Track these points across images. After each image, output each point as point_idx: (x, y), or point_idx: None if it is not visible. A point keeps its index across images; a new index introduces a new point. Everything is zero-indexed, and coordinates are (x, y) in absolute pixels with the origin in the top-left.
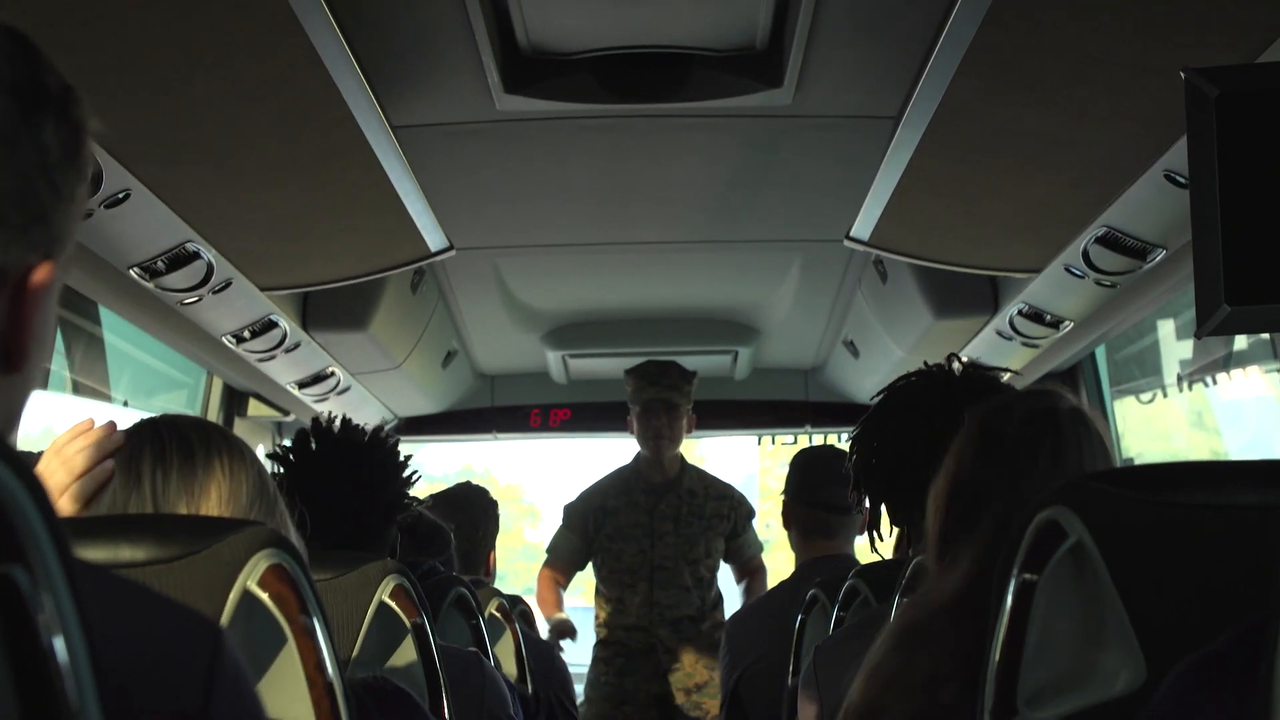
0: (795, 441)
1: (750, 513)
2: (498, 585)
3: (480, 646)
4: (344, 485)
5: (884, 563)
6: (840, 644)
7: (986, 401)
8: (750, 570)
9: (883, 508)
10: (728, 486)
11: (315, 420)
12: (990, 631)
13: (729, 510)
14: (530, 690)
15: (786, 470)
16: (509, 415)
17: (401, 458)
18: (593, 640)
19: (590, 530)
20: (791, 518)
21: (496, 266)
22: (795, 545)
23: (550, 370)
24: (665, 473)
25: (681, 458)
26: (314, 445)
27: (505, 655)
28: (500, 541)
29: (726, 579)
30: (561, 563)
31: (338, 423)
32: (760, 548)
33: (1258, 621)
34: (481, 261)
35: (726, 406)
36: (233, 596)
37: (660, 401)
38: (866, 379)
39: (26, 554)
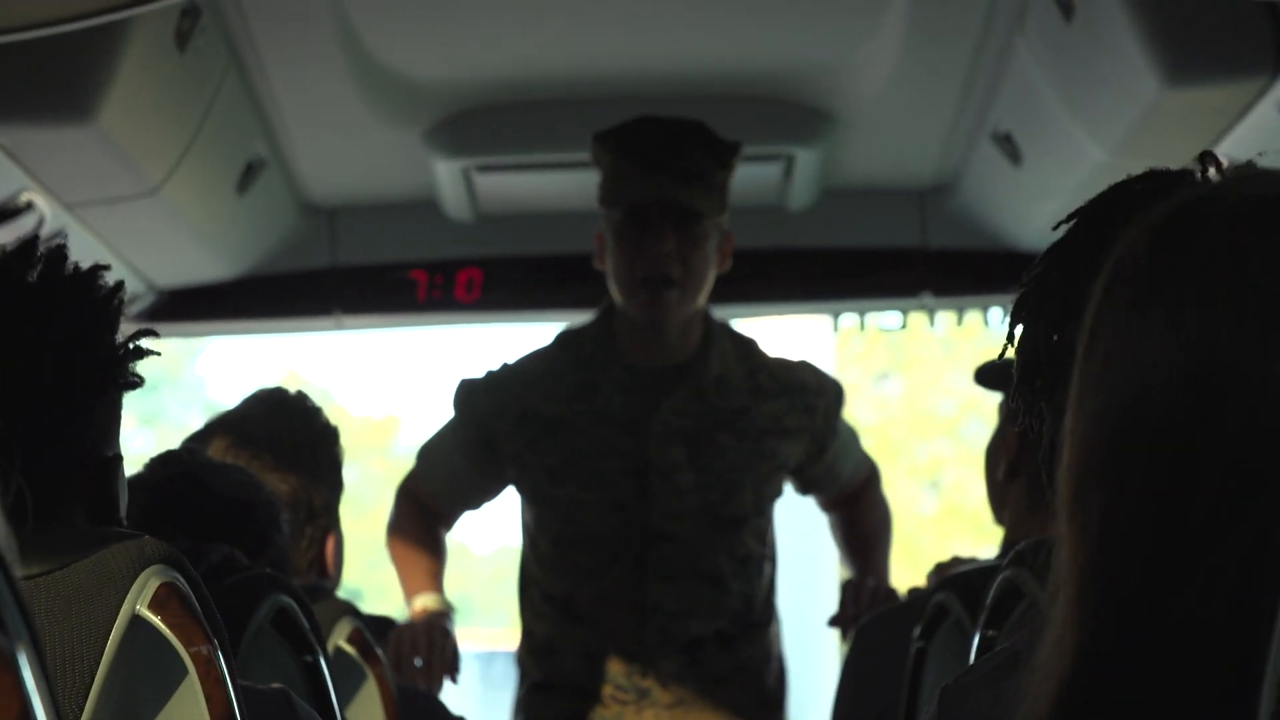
0: (904, 325)
1: (839, 398)
2: (348, 598)
3: (321, 702)
4: (14, 347)
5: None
6: (985, 684)
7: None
8: (853, 489)
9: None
10: (800, 368)
11: None
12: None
13: (803, 416)
14: None
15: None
16: (366, 283)
17: (110, 294)
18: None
19: (496, 455)
20: (1029, 456)
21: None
22: (1014, 512)
23: (442, 197)
24: (670, 346)
25: (706, 317)
26: None
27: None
28: (350, 524)
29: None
30: (434, 485)
31: None
32: (860, 446)
33: None
34: None
35: (775, 260)
36: None
37: (660, 205)
38: (1037, 205)
39: None
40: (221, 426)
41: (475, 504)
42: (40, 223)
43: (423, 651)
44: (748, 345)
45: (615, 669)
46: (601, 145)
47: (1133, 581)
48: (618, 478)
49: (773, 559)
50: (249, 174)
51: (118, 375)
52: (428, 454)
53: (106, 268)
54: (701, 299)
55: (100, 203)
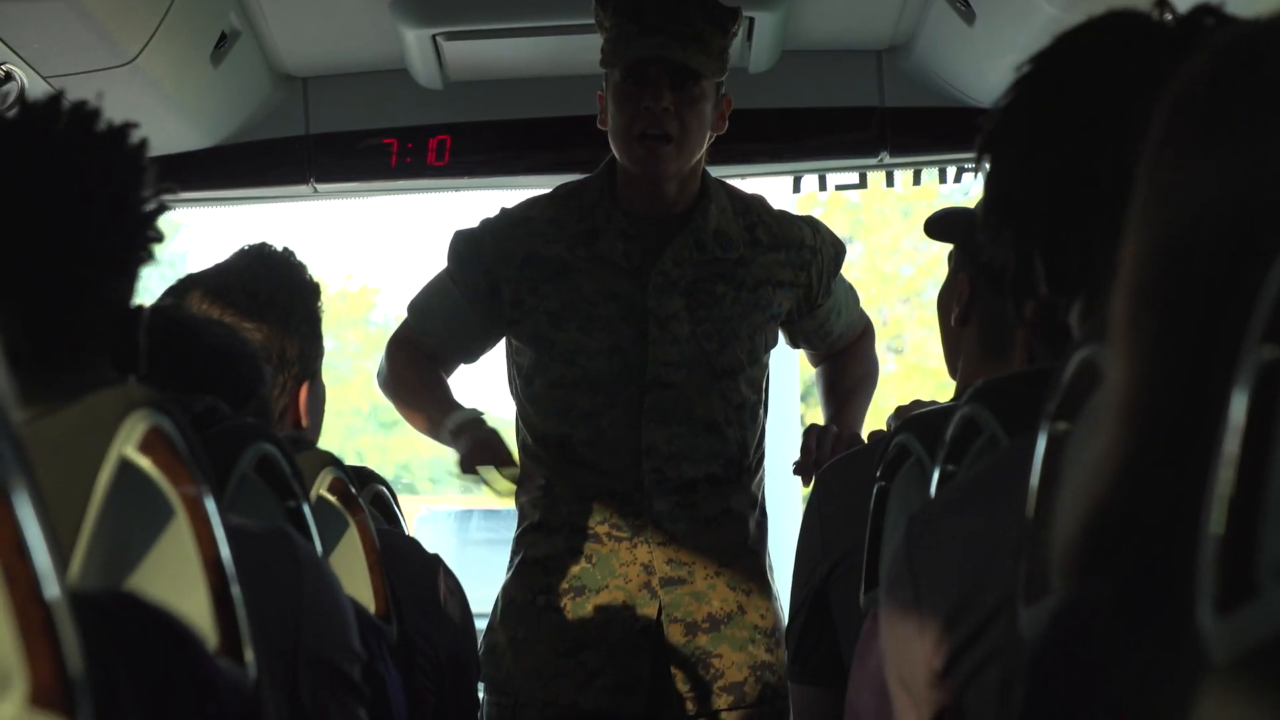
0: (864, 183)
1: (838, 257)
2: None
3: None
4: (34, 200)
5: (1018, 375)
6: (949, 513)
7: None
8: (844, 346)
9: (1036, 258)
10: (799, 222)
11: None
12: (1207, 460)
13: (797, 271)
14: (395, 630)
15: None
16: (340, 150)
17: (140, 148)
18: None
19: (500, 300)
20: (980, 302)
21: None
22: (967, 358)
23: (413, 65)
24: (669, 199)
25: (702, 173)
26: None
27: (350, 568)
28: (328, 393)
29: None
30: (434, 337)
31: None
32: (858, 305)
33: None
34: None
35: (736, 121)
36: None
37: (658, 64)
38: (991, 60)
39: None
40: (198, 279)
41: (473, 354)
42: (21, 93)
43: (489, 460)
44: (746, 200)
45: (611, 508)
46: (603, 8)
47: (1180, 403)
48: (617, 323)
49: (766, 407)
50: (223, 44)
51: (149, 229)
52: (423, 306)
53: (135, 125)
54: (697, 156)
55: (79, 74)
